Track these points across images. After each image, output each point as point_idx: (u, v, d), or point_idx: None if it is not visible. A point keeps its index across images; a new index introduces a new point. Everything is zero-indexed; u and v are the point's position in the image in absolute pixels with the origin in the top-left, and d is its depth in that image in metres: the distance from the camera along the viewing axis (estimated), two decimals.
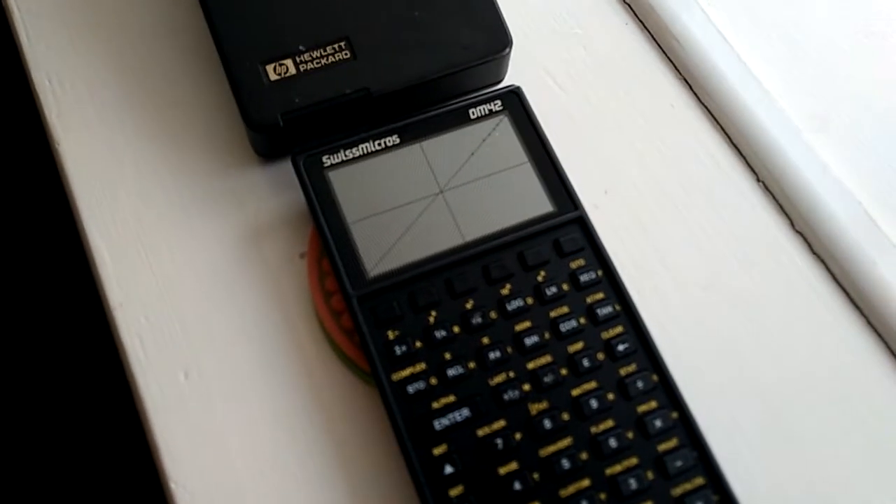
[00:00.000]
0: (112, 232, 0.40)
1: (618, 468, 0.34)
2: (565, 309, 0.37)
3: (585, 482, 0.33)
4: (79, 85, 0.44)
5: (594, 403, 0.35)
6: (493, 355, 0.35)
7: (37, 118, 0.44)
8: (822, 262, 0.41)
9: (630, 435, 0.34)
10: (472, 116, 0.40)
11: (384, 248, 0.37)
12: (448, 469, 0.33)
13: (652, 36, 0.47)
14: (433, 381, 0.35)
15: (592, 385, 0.35)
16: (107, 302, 0.39)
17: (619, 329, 0.37)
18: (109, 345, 0.39)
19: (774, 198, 0.43)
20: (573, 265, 0.38)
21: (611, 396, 0.35)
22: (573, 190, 0.39)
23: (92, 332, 0.56)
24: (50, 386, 0.77)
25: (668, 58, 0.47)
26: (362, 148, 0.39)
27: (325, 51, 0.40)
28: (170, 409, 0.37)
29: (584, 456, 0.34)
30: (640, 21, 0.48)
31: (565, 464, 0.34)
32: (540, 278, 0.37)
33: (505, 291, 0.37)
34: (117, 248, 0.40)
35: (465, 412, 0.34)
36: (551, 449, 0.34)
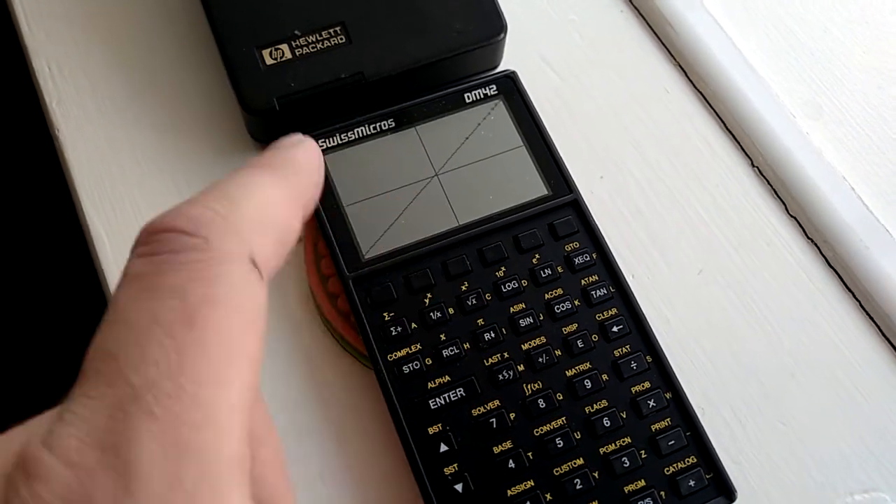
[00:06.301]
0: (111, 216, 0.41)
1: (611, 447, 0.34)
2: (559, 291, 0.37)
3: (579, 461, 0.34)
4: (78, 72, 0.44)
5: (588, 384, 0.35)
6: (488, 336, 0.36)
7: (37, 105, 0.45)
8: (816, 246, 0.42)
9: (623, 415, 0.35)
10: (468, 100, 0.40)
11: (380, 231, 0.37)
12: (443, 447, 0.33)
13: (647, 22, 0.48)
14: (428, 361, 0.35)
15: (586, 366, 0.36)
16: (106, 286, 0.39)
17: (613, 311, 0.37)
18: None
19: (768, 183, 0.43)
20: (567, 248, 0.38)
21: (605, 377, 0.35)
22: (568, 173, 0.39)
23: (92, 317, 0.56)
24: (49, 371, 0.77)
25: (663, 44, 0.47)
26: (357, 132, 0.39)
27: (320, 35, 0.40)
28: None
29: (577, 435, 0.34)
30: (635, 7, 0.48)
31: (559, 443, 0.34)
32: (534, 261, 0.37)
33: (500, 274, 0.37)
34: (116, 233, 0.40)
35: (460, 392, 0.35)
36: (545, 428, 0.34)
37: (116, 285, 0.18)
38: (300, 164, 0.23)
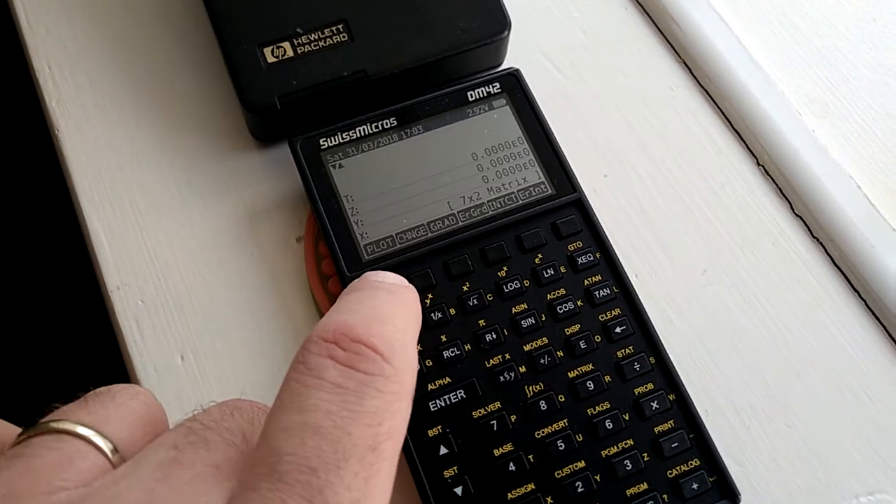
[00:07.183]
0: (110, 216, 0.41)
1: (613, 450, 0.34)
2: (562, 291, 0.37)
3: (581, 463, 0.33)
4: (78, 71, 0.44)
5: (590, 385, 0.35)
6: (489, 337, 0.35)
7: (36, 104, 0.45)
8: (822, 245, 0.41)
9: (626, 417, 0.34)
10: (471, 99, 0.40)
11: (380, 231, 0.37)
12: (443, 450, 0.33)
13: (651, 19, 0.47)
14: (428, 362, 0.35)
15: (589, 367, 0.35)
16: (104, 285, 0.39)
17: (616, 311, 0.36)
18: (107, 328, 0.39)
19: (774, 181, 0.43)
20: (571, 247, 0.37)
21: (607, 378, 0.35)
22: (572, 172, 0.39)
23: (89, 316, 0.56)
24: (47, 370, 0.77)
25: (668, 41, 0.46)
26: (359, 131, 0.39)
27: (322, 33, 0.40)
28: (166, 392, 0.37)
29: (579, 437, 0.34)
30: (640, 4, 0.47)
31: (560, 445, 0.33)
32: (537, 261, 0.37)
33: (501, 274, 0.37)
34: (115, 233, 0.40)
35: (461, 394, 0.34)
36: (546, 430, 0.34)
37: (299, 371, 0.20)
38: (415, 306, 0.27)
